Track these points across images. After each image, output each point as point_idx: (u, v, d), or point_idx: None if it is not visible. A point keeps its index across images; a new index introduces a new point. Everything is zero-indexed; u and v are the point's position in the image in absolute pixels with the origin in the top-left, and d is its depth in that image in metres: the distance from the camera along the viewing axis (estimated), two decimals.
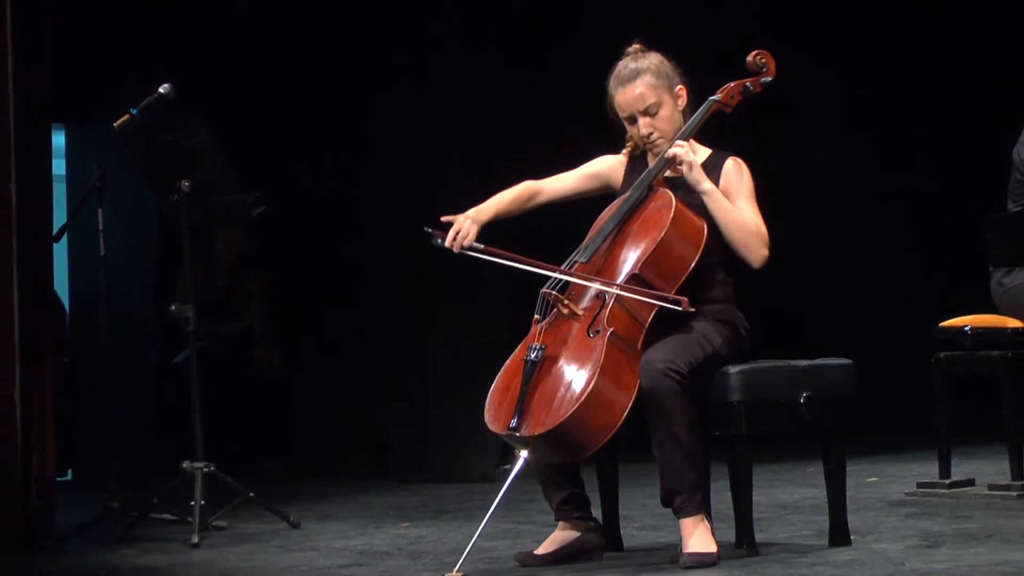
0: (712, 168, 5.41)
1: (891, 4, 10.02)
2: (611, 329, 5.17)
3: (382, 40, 8.79)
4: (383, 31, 8.78)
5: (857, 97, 10.26)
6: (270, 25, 9.10)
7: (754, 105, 5.60)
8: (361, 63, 8.87)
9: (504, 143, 8.41)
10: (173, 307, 6.77)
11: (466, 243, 5.38)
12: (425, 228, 5.40)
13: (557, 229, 5.70)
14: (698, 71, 5.52)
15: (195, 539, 6.26)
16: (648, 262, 5.24)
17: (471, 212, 5.44)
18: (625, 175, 5.55)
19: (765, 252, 5.32)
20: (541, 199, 5.56)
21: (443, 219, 5.42)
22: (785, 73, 5.54)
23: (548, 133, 8.51)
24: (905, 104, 10.09)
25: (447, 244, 5.39)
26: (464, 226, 5.40)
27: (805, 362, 5.44)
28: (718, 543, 5.22)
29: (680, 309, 5.15)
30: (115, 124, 6.62)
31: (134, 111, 6.61)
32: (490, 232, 5.43)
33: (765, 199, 5.45)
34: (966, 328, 6.64)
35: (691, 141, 5.41)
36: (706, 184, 5.33)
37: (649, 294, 5.18)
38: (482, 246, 5.38)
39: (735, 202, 5.36)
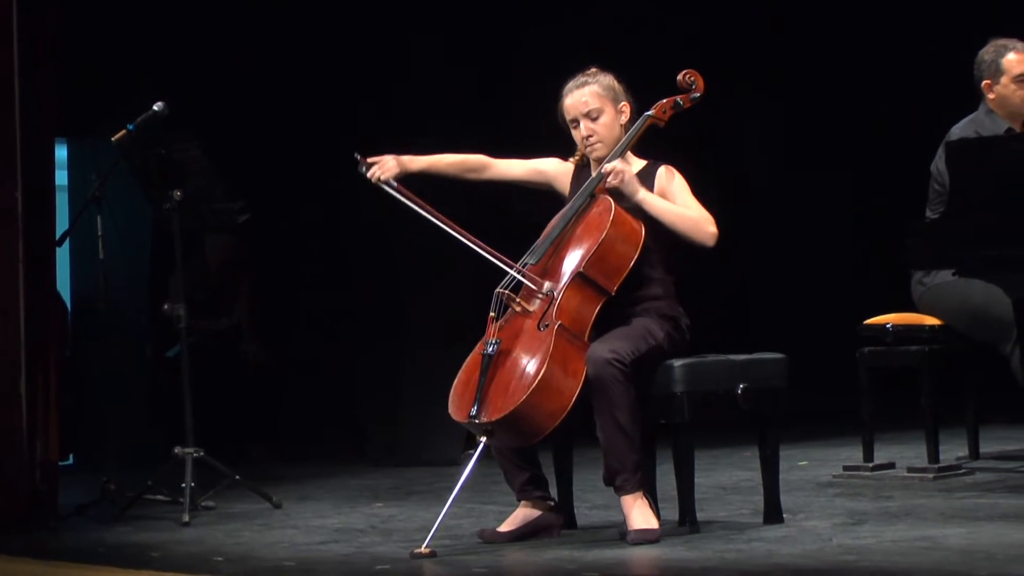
0: (647, 176, 5.47)
1: (828, 26, 10.04)
2: (559, 322, 5.22)
3: (364, 47, 8.78)
4: (365, 39, 8.77)
5: (794, 114, 10.28)
6: (255, 44, 9.08)
7: (697, 118, 5.65)
8: (342, 70, 8.85)
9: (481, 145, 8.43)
10: (166, 306, 6.76)
11: (383, 177, 5.44)
12: (355, 154, 5.43)
13: (516, 234, 5.70)
14: (642, 91, 5.57)
15: (186, 518, 6.24)
16: (591, 261, 5.29)
17: (404, 157, 5.49)
18: (571, 181, 5.58)
19: (713, 230, 5.37)
20: (487, 174, 5.60)
21: (370, 159, 5.47)
22: (726, 91, 5.58)
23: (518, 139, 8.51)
24: (834, 122, 10.11)
25: (368, 174, 5.45)
26: (388, 164, 5.43)
27: (742, 357, 5.46)
28: (662, 521, 5.24)
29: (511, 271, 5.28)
30: (113, 138, 6.61)
31: (131, 127, 6.60)
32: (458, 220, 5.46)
33: (708, 206, 5.47)
34: (888, 326, 6.67)
35: (626, 155, 5.46)
36: (641, 193, 5.37)
37: (492, 252, 5.31)
38: (396, 184, 5.44)
39: (674, 199, 5.41)
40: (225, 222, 7.16)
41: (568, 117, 5.52)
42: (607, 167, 5.38)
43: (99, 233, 6.73)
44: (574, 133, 5.53)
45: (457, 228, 5.40)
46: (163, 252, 8.40)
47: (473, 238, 5.39)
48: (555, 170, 5.62)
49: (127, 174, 6.94)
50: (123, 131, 6.59)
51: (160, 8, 9.03)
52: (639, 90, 5.60)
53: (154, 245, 9.23)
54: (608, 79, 5.52)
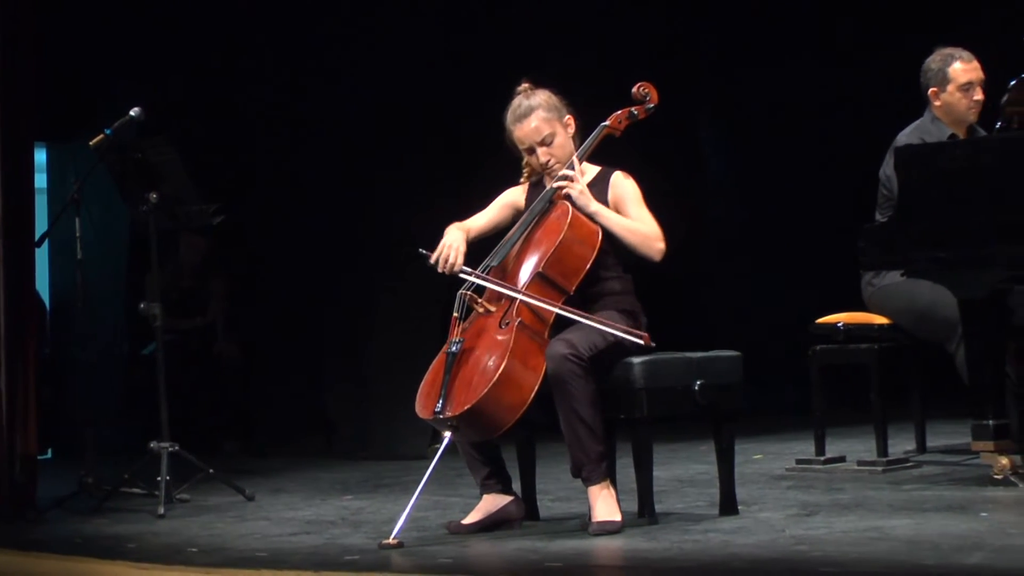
0: (601, 181, 5.50)
1: (776, 45, 10.07)
2: (519, 320, 5.23)
3: (323, 38, 8.80)
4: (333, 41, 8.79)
5: (745, 123, 10.31)
6: (231, 50, 9.08)
7: (654, 129, 5.67)
8: (315, 74, 8.86)
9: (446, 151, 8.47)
10: (142, 305, 6.73)
11: (456, 269, 5.39)
12: (420, 250, 5.43)
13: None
14: (592, 102, 5.59)
15: (161, 510, 6.22)
16: (550, 262, 5.31)
17: (457, 240, 5.41)
18: (527, 199, 5.60)
19: (661, 246, 5.39)
20: (470, 237, 5.55)
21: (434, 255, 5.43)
22: (681, 103, 5.60)
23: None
24: (789, 130, 10.15)
25: (439, 269, 5.40)
26: (451, 255, 5.38)
27: (699, 354, 5.46)
28: (623, 512, 5.24)
29: (642, 343, 5.20)
30: (91, 143, 6.60)
31: (108, 131, 6.59)
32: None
33: (667, 213, 5.49)
34: (839, 324, 6.68)
35: (581, 164, 5.46)
36: (593, 206, 5.41)
37: (620, 328, 5.21)
38: (468, 269, 5.38)
39: (627, 208, 5.43)
40: (200, 223, 7.15)
41: (522, 147, 5.53)
42: (563, 173, 5.41)
43: (77, 234, 6.72)
44: (530, 159, 5.55)
45: (507, 286, 5.34)
46: (139, 253, 8.38)
47: (502, 284, 5.35)
48: (515, 197, 5.65)
49: (104, 177, 6.91)
50: (101, 135, 6.58)
51: (137, 15, 9.01)
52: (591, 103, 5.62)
53: (130, 246, 9.20)
54: (548, 97, 5.51)
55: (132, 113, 6.58)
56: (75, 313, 6.92)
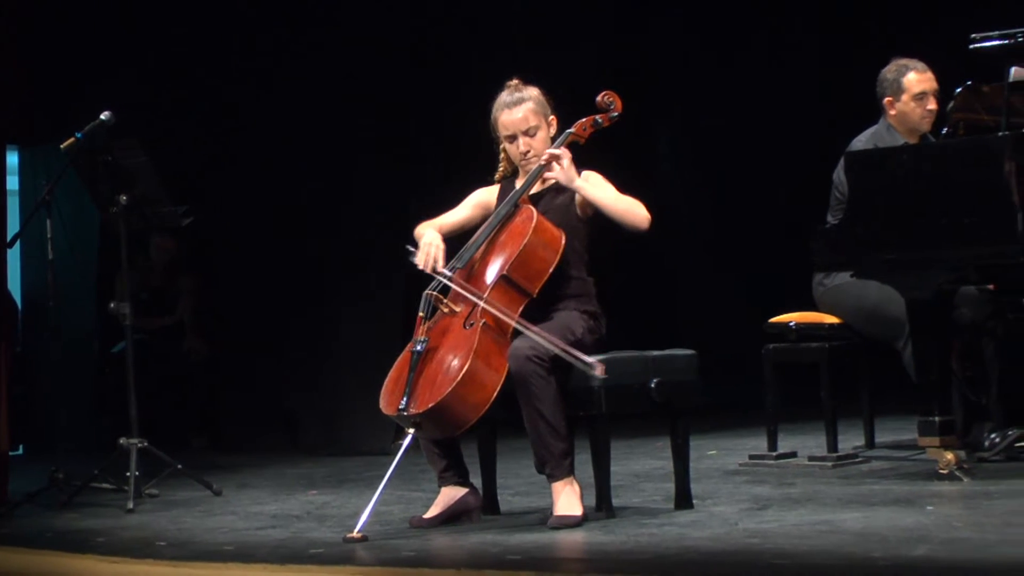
0: None
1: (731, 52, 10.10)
2: (483, 321, 5.23)
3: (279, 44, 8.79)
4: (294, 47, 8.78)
5: (700, 128, 10.34)
6: (199, 54, 9.05)
7: (613, 135, 5.68)
8: (286, 77, 8.85)
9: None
10: (112, 304, 6.71)
11: (439, 268, 5.39)
12: (407, 247, 5.43)
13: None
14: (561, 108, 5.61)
15: (130, 505, 6.20)
16: (514, 265, 5.32)
17: (435, 238, 5.41)
18: (498, 198, 5.60)
19: (646, 214, 5.40)
20: (444, 234, 5.56)
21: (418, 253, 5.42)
22: (639, 112, 5.62)
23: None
24: (744, 134, 10.17)
25: (421, 266, 5.41)
26: (433, 254, 5.39)
27: (656, 352, 5.47)
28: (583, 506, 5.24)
29: (595, 373, 5.16)
30: (62, 146, 6.58)
31: (79, 135, 6.56)
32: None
33: None
34: (791, 324, 6.70)
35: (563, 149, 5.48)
36: (578, 180, 5.42)
37: (570, 353, 5.17)
38: (448, 272, 5.37)
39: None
40: (169, 225, 7.12)
41: (506, 133, 5.53)
42: (552, 151, 5.40)
43: (48, 235, 6.70)
44: (509, 147, 5.55)
45: (476, 292, 5.32)
46: (109, 253, 8.35)
47: (474, 292, 5.33)
48: (486, 196, 5.65)
49: (76, 179, 6.88)
50: (71, 139, 6.56)
51: (107, 19, 8.98)
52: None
53: (101, 246, 9.18)
54: (537, 94, 5.55)
55: (102, 117, 6.57)
56: (46, 312, 6.88)
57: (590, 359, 5.17)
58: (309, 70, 8.72)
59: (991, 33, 5.90)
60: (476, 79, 5.65)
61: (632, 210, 5.39)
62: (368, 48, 8.53)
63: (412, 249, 5.45)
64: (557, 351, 5.18)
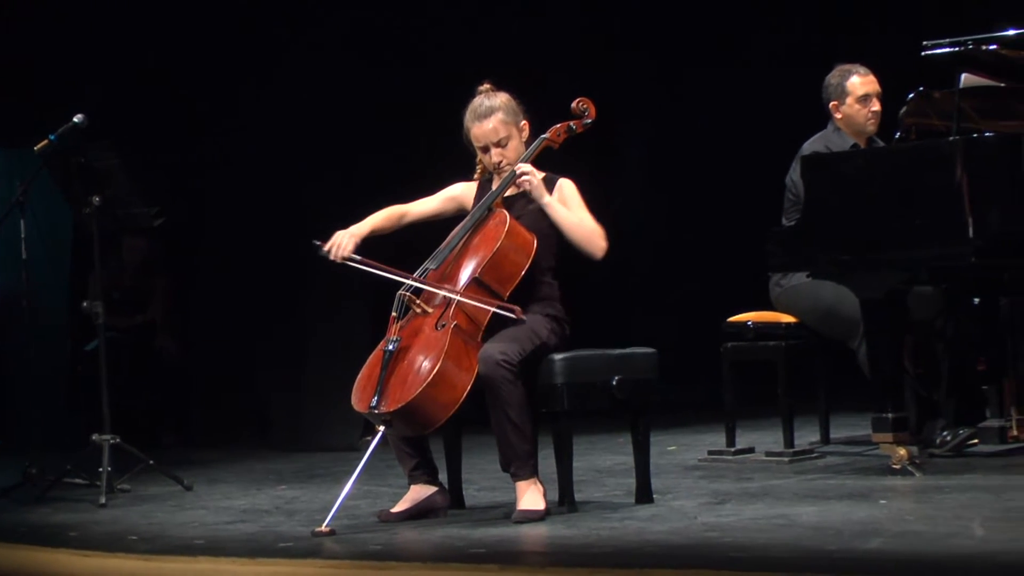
0: (548, 185, 5.49)
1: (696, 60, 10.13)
2: (455, 323, 5.23)
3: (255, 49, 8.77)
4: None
5: (665, 135, 10.36)
6: (174, 57, 9.03)
7: (584, 141, 5.70)
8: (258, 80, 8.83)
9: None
10: (85, 303, 6.68)
11: (344, 255, 5.39)
12: (314, 242, 5.39)
13: (420, 241, 5.70)
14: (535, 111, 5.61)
15: (103, 500, 6.19)
16: (486, 268, 5.31)
17: (351, 228, 5.44)
18: (475, 198, 5.59)
19: (604, 244, 5.42)
20: (408, 219, 5.58)
21: (327, 245, 5.41)
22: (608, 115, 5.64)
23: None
24: (703, 141, 10.20)
25: (331, 256, 5.41)
26: (343, 242, 5.39)
27: (617, 351, 5.48)
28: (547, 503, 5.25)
29: (514, 316, 5.20)
30: (36, 148, 6.55)
31: (52, 137, 6.54)
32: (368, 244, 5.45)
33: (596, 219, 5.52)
34: (749, 323, 6.73)
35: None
36: (547, 197, 5.41)
37: (488, 302, 5.22)
38: (358, 257, 5.39)
39: (572, 210, 5.43)
40: (141, 225, 7.11)
41: (477, 144, 5.52)
42: (521, 167, 5.41)
43: (22, 235, 6.67)
44: (483, 157, 5.54)
45: (409, 275, 5.35)
46: (83, 253, 8.32)
47: (420, 279, 5.36)
48: (463, 193, 5.63)
49: (49, 180, 6.86)
50: (45, 141, 6.53)
51: (81, 23, 8.94)
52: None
53: (74, 247, 9.14)
54: (508, 101, 5.52)
55: (76, 119, 6.55)
56: (20, 311, 6.85)
57: (511, 306, 5.23)
58: (287, 71, 8.69)
59: (942, 40, 5.94)
60: (473, 80, 5.61)
61: (590, 239, 5.40)
62: (347, 47, 8.53)
63: (318, 244, 5.43)
64: (480, 306, 5.21)
